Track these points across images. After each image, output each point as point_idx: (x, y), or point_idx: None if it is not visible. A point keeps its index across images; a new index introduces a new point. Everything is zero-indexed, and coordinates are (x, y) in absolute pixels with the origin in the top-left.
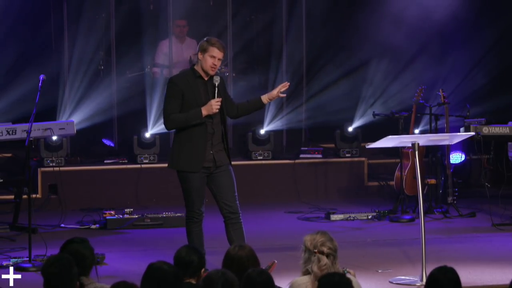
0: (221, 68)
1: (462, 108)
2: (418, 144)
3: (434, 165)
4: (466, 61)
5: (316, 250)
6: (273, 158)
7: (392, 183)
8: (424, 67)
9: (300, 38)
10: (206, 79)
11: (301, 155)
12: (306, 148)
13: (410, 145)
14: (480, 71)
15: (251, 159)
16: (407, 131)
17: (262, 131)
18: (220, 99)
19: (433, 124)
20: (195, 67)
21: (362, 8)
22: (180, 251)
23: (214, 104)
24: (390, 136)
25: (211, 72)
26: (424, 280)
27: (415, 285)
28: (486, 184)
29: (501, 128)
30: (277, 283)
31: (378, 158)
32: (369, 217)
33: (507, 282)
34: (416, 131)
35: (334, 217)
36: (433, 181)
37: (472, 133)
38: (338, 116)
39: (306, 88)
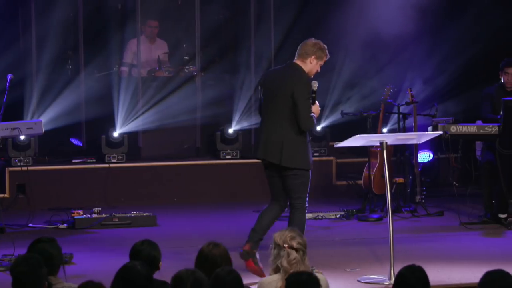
0: (189, 67)
1: (430, 107)
2: (386, 143)
3: (402, 164)
4: (433, 60)
5: (285, 245)
6: (241, 157)
7: (360, 182)
8: (392, 66)
9: (269, 37)
10: None
11: None
12: None
13: (378, 144)
14: (448, 70)
15: (219, 159)
16: (375, 130)
17: (231, 130)
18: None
19: (401, 123)
20: (302, 65)
21: (331, 8)
22: (139, 248)
23: (319, 108)
24: (358, 135)
25: (312, 77)
26: (392, 279)
27: (383, 284)
28: (454, 183)
29: (469, 127)
30: (245, 282)
31: (346, 157)
32: (337, 216)
33: (476, 280)
34: (384, 130)
35: None
36: (401, 180)
37: (440, 132)
38: None
39: None
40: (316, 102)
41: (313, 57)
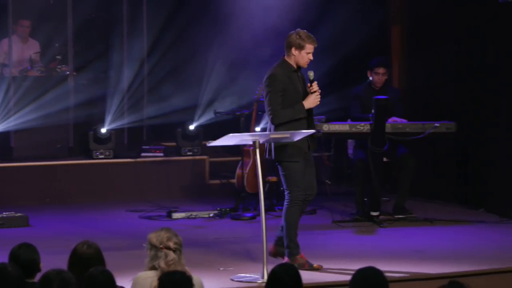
0: (62, 67)
1: None
2: (259, 142)
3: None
4: None
5: (162, 246)
6: (114, 157)
7: (234, 181)
8: (264, 65)
9: (141, 38)
10: (297, 71)
11: (143, 154)
12: (147, 147)
13: (251, 143)
14: (320, 69)
15: (92, 158)
16: (248, 129)
17: (103, 130)
18: (319, 91)
19: None
20: (288, 59)
21: (203, 9)
22: (17, 253)
23: (316, 98)
24: (231, 134)
25: (305, 67)
26: (266, 277)
27: (256, 282)
28: (327, 181)
29: (341, 125)
30: (118, 282)
31: (220, 156)
32: (211, 215)
33: (348, 278)
34: (257, 128)
35: (175, 215)
36: (274, 178)
37: (313, 131)
38: (179, 114)
39: (147, 87)
40: (316, 92)
41: (293, 48)
